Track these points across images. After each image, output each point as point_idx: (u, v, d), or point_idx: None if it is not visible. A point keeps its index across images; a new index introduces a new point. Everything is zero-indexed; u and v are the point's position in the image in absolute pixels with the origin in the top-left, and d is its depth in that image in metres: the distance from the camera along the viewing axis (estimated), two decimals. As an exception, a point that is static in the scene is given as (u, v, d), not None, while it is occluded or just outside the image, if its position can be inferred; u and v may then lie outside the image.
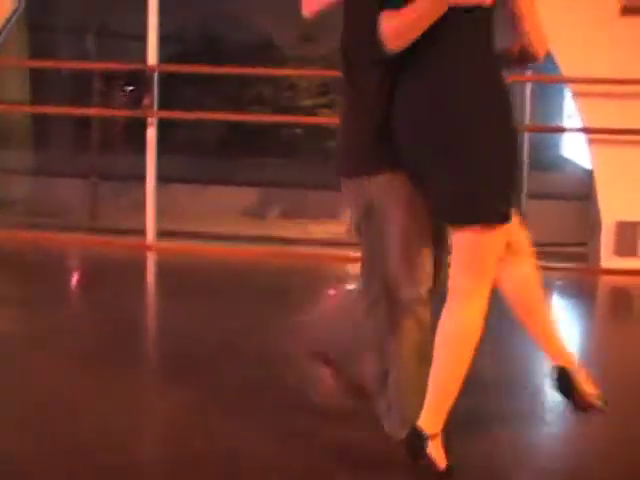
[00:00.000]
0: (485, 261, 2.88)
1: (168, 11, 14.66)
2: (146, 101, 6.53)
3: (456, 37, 2.77)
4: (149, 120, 6.51)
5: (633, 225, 5.64)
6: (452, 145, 2.77)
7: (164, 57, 15.91)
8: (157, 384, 4.22)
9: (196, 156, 15.19)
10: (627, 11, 5.20)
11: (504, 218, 2.81)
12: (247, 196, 12.81)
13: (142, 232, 7.63)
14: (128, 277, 6.57)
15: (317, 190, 11.51)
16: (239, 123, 16.50)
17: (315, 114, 16.77)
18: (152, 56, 6.23)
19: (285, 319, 5.41)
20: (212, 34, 17.35)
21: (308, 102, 16.53)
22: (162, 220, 8.82)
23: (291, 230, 11.13)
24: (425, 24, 2.73)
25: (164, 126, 10.75)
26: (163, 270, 7.08)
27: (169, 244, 7.47)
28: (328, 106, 16.97)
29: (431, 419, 3.00)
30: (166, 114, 7.84)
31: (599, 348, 2.77)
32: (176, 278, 6.63)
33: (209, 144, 16.41)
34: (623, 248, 5.59)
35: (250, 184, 12.04)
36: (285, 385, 4.10)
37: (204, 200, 12.29)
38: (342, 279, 6.86)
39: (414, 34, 2.76)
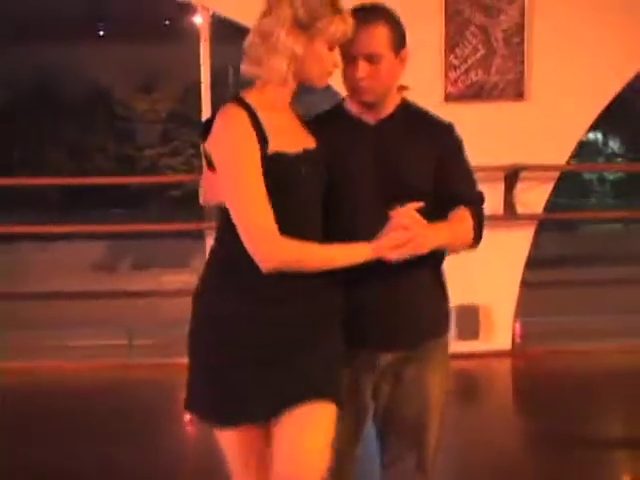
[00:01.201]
0: None
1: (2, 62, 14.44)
2: None
3: None
4: None
5: (473, 308, 5.79)
6: None
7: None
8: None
9: (40, 210, 14.85)
10: (450, 98, 5.58)
11: None
12: (96, 249, 12.60)
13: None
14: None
15: (167, 239, 11.43)
16: (84, 174, 16.34)
17: (158, 163, 16.83)
18: None
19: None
20: (46, 82, 17.04)
21: (152, 152, 16.58)
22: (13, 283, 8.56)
23: (143, 282, 11.01)
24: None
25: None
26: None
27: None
28: (170, 154, 17.07)
29: None
30: None
31: (446, 433, 2.76)
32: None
33: (53, 197, 16.08)
34: (465, 332, 5.77)
35: (99, 237, 11.82)
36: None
37: (52, 256, 12.01)
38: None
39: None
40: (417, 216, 2.26)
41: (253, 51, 2.29)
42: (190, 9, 6.49)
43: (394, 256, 2.25)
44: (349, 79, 2.39)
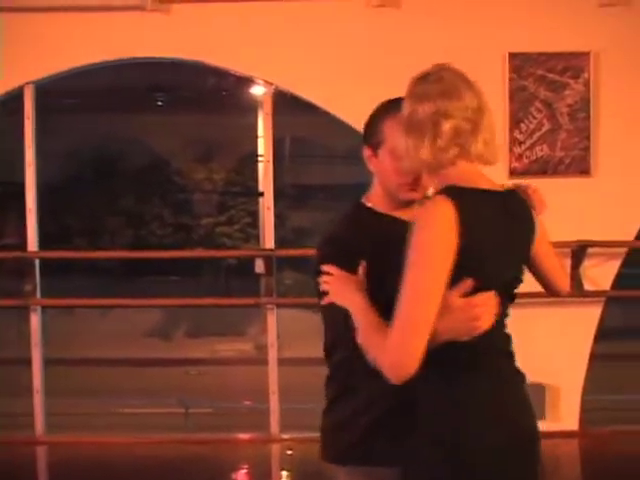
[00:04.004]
0: None
1: (63, 132, 14.80)
2: (28, 288, 6.21)
3: None
4: (32, 307, 6.18)
5: (540, 387, 5.51)
6: None
7: (61, 178, 16.01)
8: None
9: (97, 275, 15.01)
10: (514, 174, 5.41)
11: None
12: (152, 316, 12.66)
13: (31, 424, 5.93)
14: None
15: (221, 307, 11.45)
16: (140, 242, 16.58)
17: (214, 231, 17.02)
18: (32, 242, 6.02)
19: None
20: (106, 152, 17.36)
21: (208, 220, 16.74)
22: (69, 349, 8.64)
23: (197, 349, 11.02)
24: None
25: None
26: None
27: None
28: (227, 223, 17.24)
29: None
30: (50, 302, 6.76)
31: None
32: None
33: (110, 263, 16.24)
34: None
35: (155, 304, 11.88)
36: None
37: (108, 322, 12.08)
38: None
39: None
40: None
41: (474, 128, 2.14)
42: (247, 81, 6.56)
43: None
44: (401, 175, 2.33)
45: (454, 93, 2.10)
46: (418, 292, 1.96)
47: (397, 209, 2.35)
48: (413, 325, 1.95)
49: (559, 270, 2.40)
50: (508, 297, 2.16)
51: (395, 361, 1.96)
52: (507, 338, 2.20)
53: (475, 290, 2.01)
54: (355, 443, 2.29)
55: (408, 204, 2.33)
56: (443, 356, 2.00)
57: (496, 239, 2.08)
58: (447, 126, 2.08)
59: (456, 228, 1.97)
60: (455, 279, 1.99)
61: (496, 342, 2.13)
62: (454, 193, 2.03)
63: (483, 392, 2.09)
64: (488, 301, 2.03)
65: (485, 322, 2.02)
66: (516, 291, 2.20)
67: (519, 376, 2.22)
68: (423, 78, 2.16)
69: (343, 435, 2.31)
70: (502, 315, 2.13)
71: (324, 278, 2.20)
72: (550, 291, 2.41)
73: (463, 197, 2.03)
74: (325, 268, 2.20)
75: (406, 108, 2.14)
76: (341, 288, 2.16)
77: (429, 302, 1.96)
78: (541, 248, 2.28)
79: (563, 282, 2.42)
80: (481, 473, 2.05)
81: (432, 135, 2.09)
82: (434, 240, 1.98)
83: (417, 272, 1.97)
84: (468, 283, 2.00)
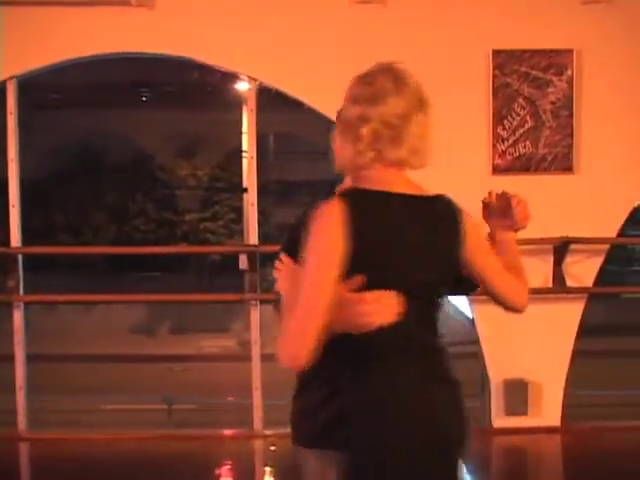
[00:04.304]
0: None
1: (47, 127, 14.74)
2: (11, 284, 6.14)
3: None
4: (15, 304, 6.11)
5: (522, 383, 5.65)
6: None
7: (44, 173, 15.95)
8: None
9: (80, 272, 14.97)
10: (497, 170, 5.52)
11: None
12: (136, 313, 12.63)
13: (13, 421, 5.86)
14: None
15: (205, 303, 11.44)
16: (124, 237, 16.52)
17: (198, 227, 16.97)
18: (15, 238, 5.97)
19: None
20: (90, 147, 17.32)
21: (193, 216, 16.71)
22: (50, 344, 8.61)
23: (181, 346, 11.00)
24: None
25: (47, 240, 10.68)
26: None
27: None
28: (211, 219, 17.21)
29: None
30: (33, 298, 6.71)
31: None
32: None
33: (93, 259, 16.22)
34: (513, 407, 5.64)
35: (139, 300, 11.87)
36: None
37: (92, 319, 12.06)
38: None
39: None
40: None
41: (395, 134, 2.14)
42: (232, 77, 6.55)
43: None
44: None
45: (379, 98, 2.12)
46: (307, 289, 2.03)
47: None
48: (303, 317, 2.02)
49: (513, 285, 2.33)
50: (423, 299, 2.15)
51: (289, 351, 2.03)
52: (422, 338, 2.17)
53: (376, 288, 2.05)
54: (321, 428, 2.30)
55: None
56: (339, 347, 2.06)
57: (397, 241, 2.11)
58: (365, 131, 2.12)
59: (344, 229, 2.04)
60: (350, 276, 2.05)
61: (399, 340, 2.12)
62: (351, 195, 2.10)
63: (372, 387, 2.12)
64: (381, 299, 2.05)
65: (378, 319, 2.04)
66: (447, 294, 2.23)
67: (437, 377, 2.18)
68: (359, 79, 2.19)
69: (310, 420, 2.33)
70: (412, 314, 2.09)
71: (277, 265, 2.25)
72: (505, 307, 2.34)
73: (358, 199, 2.09)
74: (281, 256, 2.26)
75: (342, 107, 2.20)
76: (286, 277, 2.21)
77: (317, 297, 2.02)
78: (483, 261, 2.25)
79: (518, 298, 2.35)
80: (373, 469, 2.10)
81: (353, 138, 2.14)
82: (320, 240, 2.05)
83: (307, 270, 2.04)
84: (357, 280, 2.04)
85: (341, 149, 2.19)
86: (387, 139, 2.12)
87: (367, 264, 2.07)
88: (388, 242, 2.10)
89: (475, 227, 2.24)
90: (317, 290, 2.03)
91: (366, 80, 2.17)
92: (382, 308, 2.06)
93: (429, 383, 2.16)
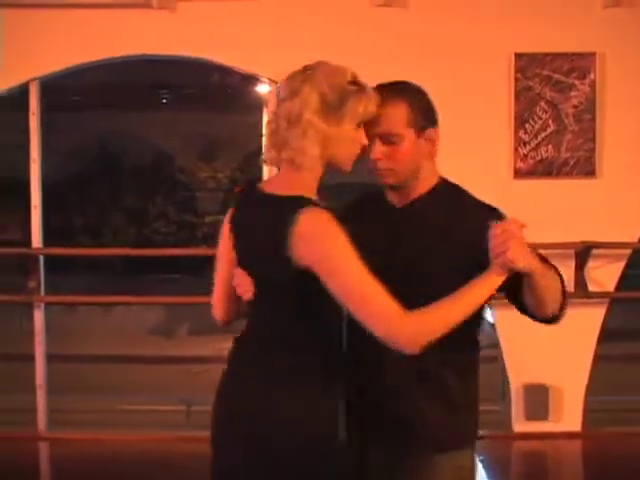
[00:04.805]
0: None
1: (67, 129, 14.83)
2: (32, 284, 6.16)
3: None
4: (36, 304, 6.14)
5: (543, 388, 5.62)
6: None
7: (64, 175, 16.06)
8: None
9: (99, 273, 15.01)
10: (519, 174, 5.51)
11: None
12: (155, 314, 12.66)
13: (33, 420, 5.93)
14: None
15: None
16: (144, 239, 16.59)
17: (218, 229, 17.01)
18: (36, 238, 6.00)
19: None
20: (110, 149, 17.39)
21: (213, 218, 16.77)
22: (69, 344, 8.62)
23: (200, 347, 11.00)
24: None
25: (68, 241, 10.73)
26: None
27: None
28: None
29: None
30: (54, 299, 6.86)
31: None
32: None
33: (112, 260, 16.25)
34: (534, 412, 5.62)
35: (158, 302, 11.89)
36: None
37: (112, 320, 12.09)
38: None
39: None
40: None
41: (279, 137, 2.18)
42: (252, 79, 6.55)
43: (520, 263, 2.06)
44: (369, 160, 2.26)
45: (282, 100, 2.19)
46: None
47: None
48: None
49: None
50: (262, 289, 2.24)
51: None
52: (264, 325, 2.28)
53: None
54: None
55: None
56: None
57: (242, 232, 2.30)
58: (267, 132, 2.23)
59: (229, 220, 2.36)
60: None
61: (250, 326, 2.33)
62: (246, 190, 2.37)
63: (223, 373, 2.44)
64: (238, 274, 2.31)
65: (239, 291, 2.31)
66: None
67: (263, 369, 2.25)
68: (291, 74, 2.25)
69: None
70: (262, 301, 2.25)
71: None
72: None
73: (243, 195, 2.36)
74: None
75: None
76: None
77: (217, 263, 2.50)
78: (325, 280, 2.09)
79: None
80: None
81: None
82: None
83: None
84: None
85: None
86: (277, 140, 2.21)
87: (235, 248, 2.33)
88: (239, 233, 2.31)
89: (313, 237, 2.09)
90: (217, 259, 2.50)
91: (296, 75, 2.24)
92: (240, 283, 2.30)
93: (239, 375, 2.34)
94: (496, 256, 2.06)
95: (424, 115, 2.26)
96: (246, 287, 2.26)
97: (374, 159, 2.23)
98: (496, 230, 2.07)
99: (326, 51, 5.69)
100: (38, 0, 5.58)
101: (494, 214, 2.23)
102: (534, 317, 2.26)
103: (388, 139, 2.22)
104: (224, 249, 2.38)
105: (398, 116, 2.22)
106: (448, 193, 2.32)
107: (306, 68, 2.23)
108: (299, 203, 2.13)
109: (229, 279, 2.37)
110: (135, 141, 16.83)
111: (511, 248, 2.03)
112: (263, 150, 2.27)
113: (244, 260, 2.30)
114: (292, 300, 2.18)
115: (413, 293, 2.04)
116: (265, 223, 2.18)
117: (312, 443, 2.14)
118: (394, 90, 2.26)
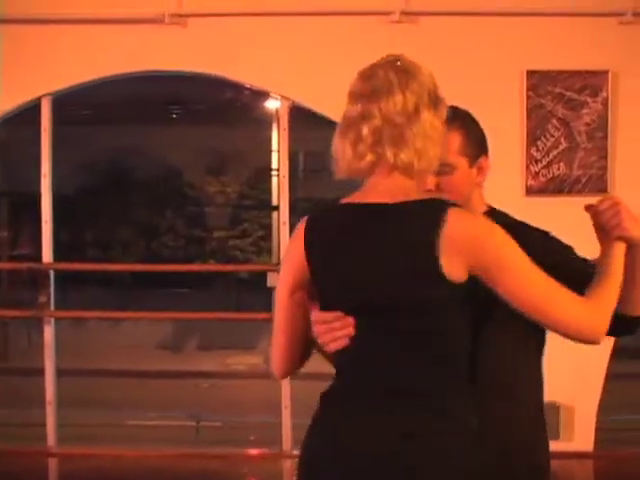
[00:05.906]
0: None
1: (77, 143, 14.88)
2: (42, 299, 6.18)
3: None
4: (46, 319, 6.15)
5: (554, 406, 5.48)
6: None
7: (75, 189, 16.10)
8: None
9: (108, 287, 15.04)
10: (531, 192, 5.50)
11: None
12: (163, 329, 12.66)
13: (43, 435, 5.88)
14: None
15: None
16: (152, 253, 16.62)
17: (227, 244, 17.06)
18: (47, 253, 6.01)
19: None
20: (120, 164, 17.46)
21: (220, 234, 16.79)
22: (78, 359, 8.63)
23: (208, 362, 11.00)
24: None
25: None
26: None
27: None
28: (239, 236, 17.30)
29: None
30: (64, 314, 6.90)
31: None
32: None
33: (121, 275, 16.29)
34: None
35: (166, 318, 11.90)
36: None
37: (120, 335, 12.09)
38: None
39: None
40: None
41: (390, 136, 1.86)
42: (261, 95, 6.56)
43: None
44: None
45: (383, 93, 1.86)
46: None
47: None
48: (274, 332, 2.01)
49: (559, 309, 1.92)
50: (380, 323, 1.87)
51: (272, 362, 2.07)
52: (384, 369, 1.88)
53: (328, 308, 1.92)
54: None
55: None
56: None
57: (340, 257, 1.90)
58: (365, 130, 1.87)
59: (302, 246, 1.93)
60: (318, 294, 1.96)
61: (358, 365, 1.91)
62: (321, 209, 2.01)
63: (322, 411, 1.96)
64: (323, 319, 1.91)
65: (326, 340, 1.91)
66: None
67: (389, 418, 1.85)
68: (360, 74, 1.95)
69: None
70: (365, 340, 1.88)
71: None
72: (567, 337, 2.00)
73: (322, 213, 1.98)
74: None
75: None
76: None
77: (276, 312, 2.01)
78: (492, 277, 1.85)
79: (573, 326, 1.94)
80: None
81: (353, 139, 1.89)
82: (284, 256, 2.03)
83: None
84: (315, 299, 1.96)
85: (342, 153, 1.92)
86: (389, 139, 1.86)
87: (319, 282, 1.93)
88: (328, 260, 1.91)
89: (472, 236, 1.84)
90: (277, 305, 2.00)
91: (365, 75, 1.92)
92: (329, 330, 1.90)
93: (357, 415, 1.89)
94: (612, 228, 2.00)
95: (477, 143, 2.18)
96: (337, 333, 1.90)
97: (427, 190, 2.05)
98: (603, 205, 2.01)
99: (338, 68, 5.71)
100: (50, 16, 5.59)
101: (547, 235, 2.19)
102: (617, 325, 2.06)
103: (440, 168, 2.04)
104: (287, 289, 1.96)
105: (451, 144, 2.08)
106: (499, 221, 2.11)
107: (396, 59, 1.93)
108: (439, 203, 1.86)
109: (297, 326, 1.98)
110: (145, 156, 16.91)
111: (624, 219, 1.98)
112: (346, 156, 1.91)
113: (344, 294, 1.91)
114: (438, 331, 1.86)
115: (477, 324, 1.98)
116: (388, 236, 1.86)
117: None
118: (449, 117, 2.05)
